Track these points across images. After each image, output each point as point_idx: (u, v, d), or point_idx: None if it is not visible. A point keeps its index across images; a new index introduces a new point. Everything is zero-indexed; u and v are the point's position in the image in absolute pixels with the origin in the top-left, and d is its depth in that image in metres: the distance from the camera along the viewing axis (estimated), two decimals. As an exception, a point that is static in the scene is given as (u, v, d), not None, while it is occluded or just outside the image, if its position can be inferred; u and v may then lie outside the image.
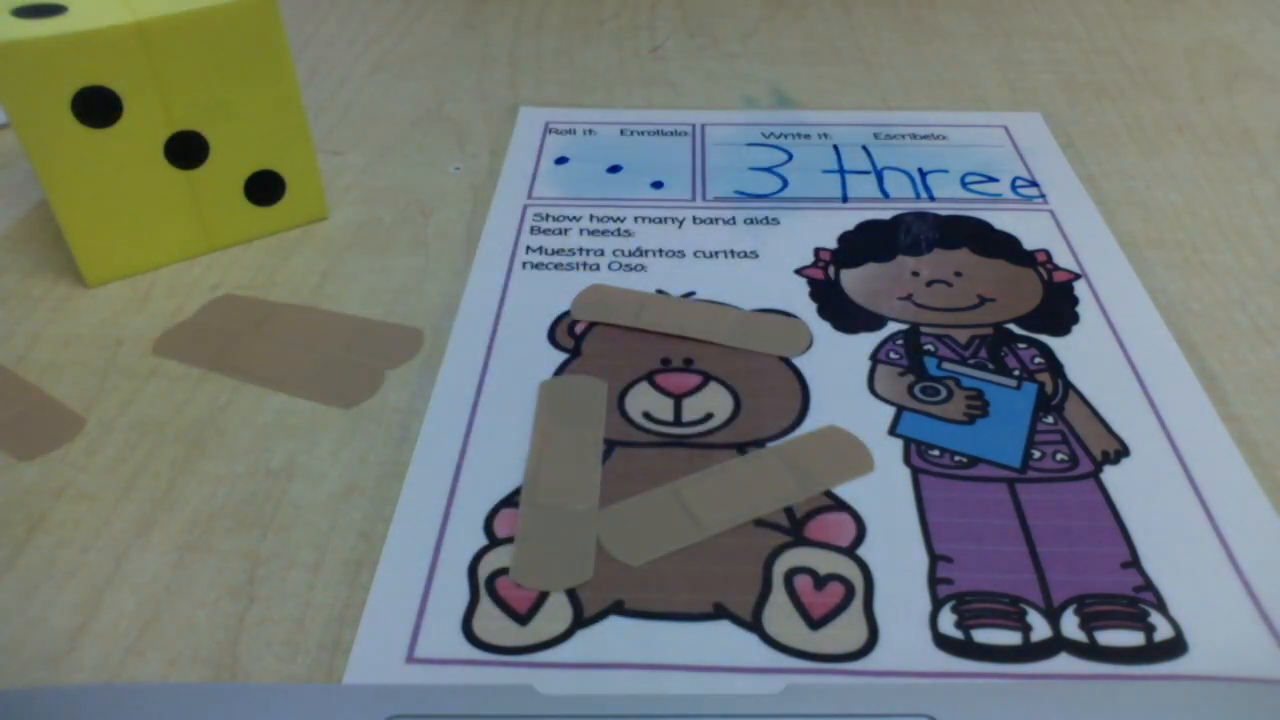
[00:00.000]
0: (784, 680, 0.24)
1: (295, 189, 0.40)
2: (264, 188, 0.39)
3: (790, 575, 0.27)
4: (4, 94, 0.33)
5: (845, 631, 0.26)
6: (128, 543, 0.28)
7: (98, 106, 0.34)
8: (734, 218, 0.41)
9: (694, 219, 0.41)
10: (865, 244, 0.39)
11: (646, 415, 0.32)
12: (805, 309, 0.36)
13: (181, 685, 0.25)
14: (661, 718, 0.24)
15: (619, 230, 0.40)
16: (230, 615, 0.26)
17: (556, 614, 0.26)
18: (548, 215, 0.41)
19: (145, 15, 0.34)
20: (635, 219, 0.41)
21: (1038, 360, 0.34)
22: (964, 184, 0.43)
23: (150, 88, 0.35)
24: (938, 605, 0.26)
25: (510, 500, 0.29)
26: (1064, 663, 0.25)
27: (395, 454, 0.31)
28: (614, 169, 0.44)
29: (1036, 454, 0.30)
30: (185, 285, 0.37)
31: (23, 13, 0.33)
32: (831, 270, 0.38)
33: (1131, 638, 0.25)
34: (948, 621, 0.26)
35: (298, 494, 0.30)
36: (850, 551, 0.28)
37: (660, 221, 0.41)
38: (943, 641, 0.25)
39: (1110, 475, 0.30)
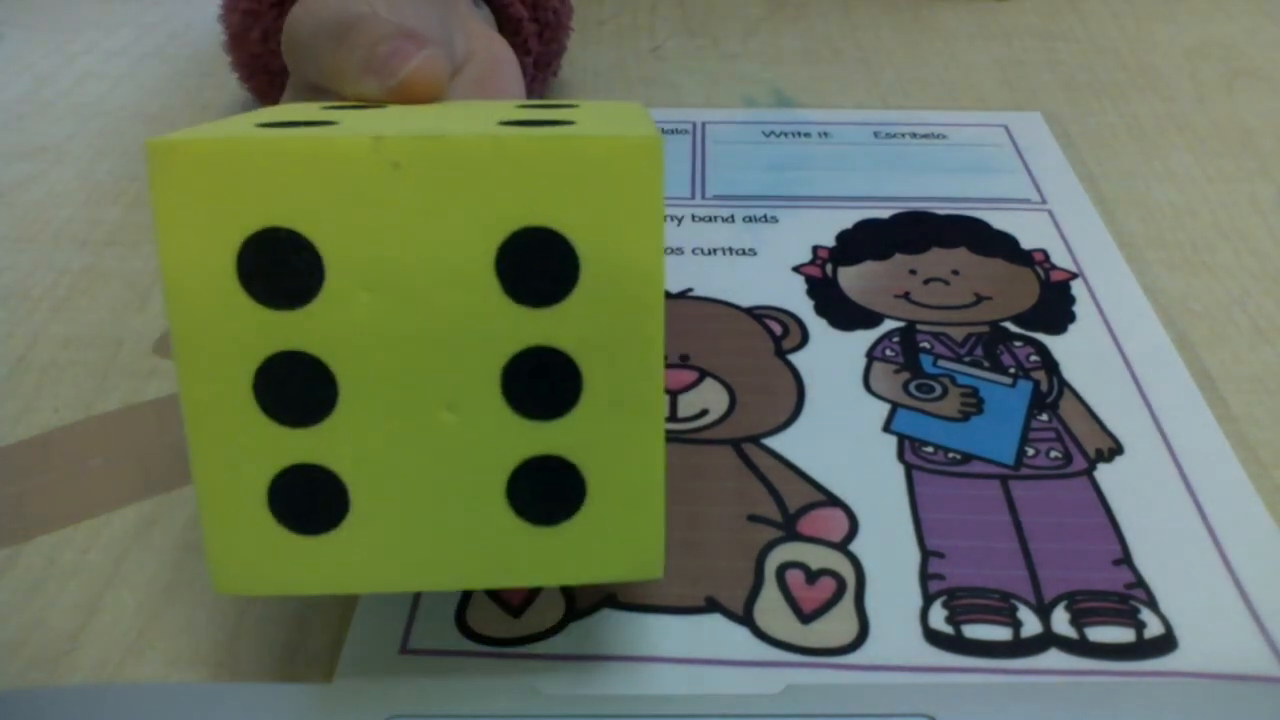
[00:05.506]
0: (774, 673, 0.24)
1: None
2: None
3: (782, 570, 0.27)
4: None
5: (836, 626, 0.26)
6: (128, 543, 0.28)
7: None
8: (733, 215, 0.41)
9: (693, 216, 0.41)
10: (863, 242, 0.40)
11: (642, 413, 0.32)
12: (802, 306, 0.36)
13: (181, 685, 0.25)
14: (661, 718, 0.24)
15: (617, 230, 0.40)
16: (230, 615, 0.26)
17: (549, 606, 0.26)
18: (547, 215, 0.41)
19: None
20: (634, 218, 0.41)
21: (1033, 358, 0.34)
22: (963, 183, 0.43)
23: None
24: (929, 601, 0.26)
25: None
26: (1054, 658, 0.25)
27: (393, 452, 0.31)
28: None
29: (1030, 451, 0.30)
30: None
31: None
32: (829, 268, 0.38)
33: (1122, 634, 0.25)
34: (938, 617, 0.26)
35: (296, 492, 0.30)
36: (842, 547, 0.28)
37: (658, 221, 0.41)
38: (933, 636, 0.25)
39: (1104, 473, 0.30)
